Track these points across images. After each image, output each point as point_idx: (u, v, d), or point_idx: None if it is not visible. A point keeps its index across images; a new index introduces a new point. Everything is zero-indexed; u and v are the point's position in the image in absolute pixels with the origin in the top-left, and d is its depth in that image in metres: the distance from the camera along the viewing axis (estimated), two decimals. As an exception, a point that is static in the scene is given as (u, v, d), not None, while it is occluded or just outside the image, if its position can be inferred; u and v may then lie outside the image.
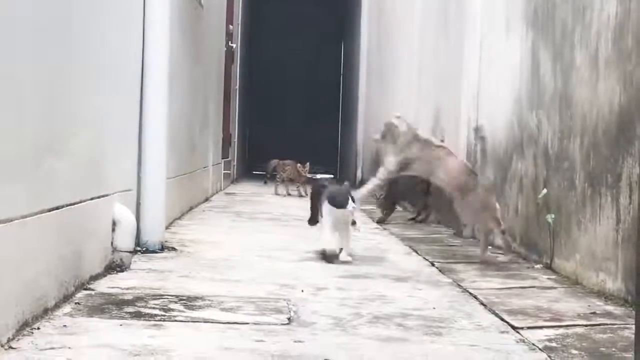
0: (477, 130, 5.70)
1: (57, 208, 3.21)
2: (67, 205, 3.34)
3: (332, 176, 11.78)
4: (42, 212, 3.02)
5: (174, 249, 5.06)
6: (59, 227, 3.25)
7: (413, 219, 7.66)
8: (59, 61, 3.26)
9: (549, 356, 2.86)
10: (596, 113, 4.19)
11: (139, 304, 3.38)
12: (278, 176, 11.16)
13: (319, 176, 7.11)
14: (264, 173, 12.57)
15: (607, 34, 4.10)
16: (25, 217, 2.83)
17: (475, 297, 3.91)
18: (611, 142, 4.00)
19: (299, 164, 11.01)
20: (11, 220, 2.69)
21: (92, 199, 3.77)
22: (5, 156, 2.66)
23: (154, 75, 4.99)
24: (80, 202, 3.56)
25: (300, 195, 10.85)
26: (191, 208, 7.69)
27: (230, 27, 11.67)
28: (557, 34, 4.79)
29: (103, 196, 3.99)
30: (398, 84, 10.39)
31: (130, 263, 4.26)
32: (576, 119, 4.46)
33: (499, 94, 5.89)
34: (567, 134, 4.57)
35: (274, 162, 11.32)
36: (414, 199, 7.69)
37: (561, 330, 3.25)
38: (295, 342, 2.91)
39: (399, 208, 7.92)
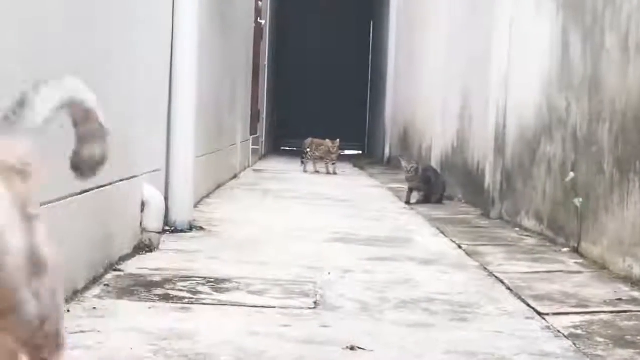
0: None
1: (87, 191, 3.24)
2: (96, 188, 3.37)
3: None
4: (72, 195, 3.05)
5: (202, 228, 5.10)
6: (88, 210, 3.29)
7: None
8: (86, 43, 3.28)
9: (574, 344, 2.86)
10: (626, 98, 4.17)
11: (167, 286, 3.42)
12: (310, 154, 11.11)
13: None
14: (297, 150, 12.52)
15: (638, 17, 4.07)
16: (55, 200, 2.86)
17: (501, 281, 3.91)
18: (640, 128, 3.98)
19: (328, 140, 10.99)
20: (42, 204, 2.72)
21: (121, 180, 3.80)
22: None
23: (183, 53, 5.00)
24: (110, 184, 3.59)
25: (328, 173, 10.85)
26: (219, 186, 7.72)
27: (260, 3, 11.66)
28: (587, 17, 4.76)
29: (132, 177, 4.02)
30: (426, 66, 10.36)
31: (159, 243, 4.30)
32: (605, 103, 4.43)
33: (528, 75, 5.87)
34: (596, 117, 4.55)
35: (309, 140, 11.25)
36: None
37: (587, 317, 3.25)
38: (321, 327, 2.93)
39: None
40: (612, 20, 4.40)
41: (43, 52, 2.76)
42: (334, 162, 10.95)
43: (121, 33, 3.80)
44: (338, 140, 11.05)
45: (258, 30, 11.65)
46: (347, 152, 18.60)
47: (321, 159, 11.00)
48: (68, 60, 3.03)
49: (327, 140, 11.01)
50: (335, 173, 10.86)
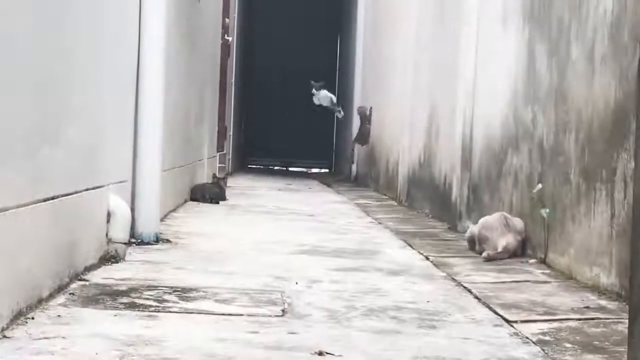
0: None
1: (52, 198, 3.21)
2: (61, 196, 3.34)
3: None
4: (36, 202, 3.02)
5: (168, 241, 5.07)
6: (53, 218, 3.25)
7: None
8: (54, 49, 3.25)
9: (543, 349, 2.86)
10: (592, 108, 4.20)
11: (133, 295, 3.39)
12: None
13: None
14: (263, 168, 12.57)
15: (604, 29, 4.10)
16: (20, 207, 2.83)
17: (469, 290, 3.92)
18: (606, 137, 4.01)
19: None
20: (5, 210, 2.69)
21: (87, 189, 3.77)
22: None
23: (150, 67, 4.99)
24: (75, 192, 3.56)
25: None
26: (186, 200, 7.68)
27: (227, 20, 11.65)
28: (553, 29, 4.79)
29: (98, 187, 3.99)
30: (393, 79, 10.39)
31: (125, 254, 4.26)
32: (571, 113, 4.46)
33: (494, 88, 5.90)
34: (563, 128, 4.58)
35: None
36: None
37: (555, 324, 3.25)
38: (289, 333, 2.91)
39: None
40: (577, 32, 4.43)
41: (10, 63, 2.72)
42: None
43: (89, 45, 3.78)
44: None
45: (225, 47, 11.63)
46: (314, 170, 18.64)
47: None
48: (36, 71, 3.00)
49: None
50: None
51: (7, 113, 2.73)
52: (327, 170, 18.70)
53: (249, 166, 18.32)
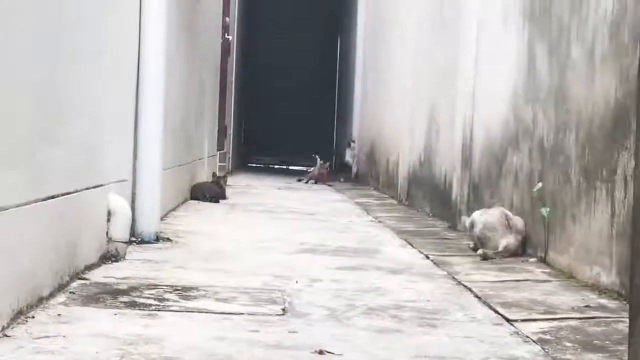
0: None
1: (52, 197, 3.21)
2: (62, 195, 3.34)
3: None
4: (37, 201, 3.02)
5: (168, 239, 5.07)
6: (53, 217, 3.25)
7: None
8: (54, 51, 3.25)
9: (543, 348, 2.86)
10: (592, 107, 4.19)
11: (133, 294, 3.39)
12: None
13: None
14: (263, 167, 12.68)
15: (604, 28, 4.10)
16: (20, 205, 2.83)
17: (469, 289, 3.91)
18: (606, 137, 4.01)
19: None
20: (6, 209, 2.69)
21: (87, 188, 3.77)
22: None
23: (151, 66, 4.99)
24: (76, 191, 3.56)
25: None
26: (186, 199, 7.68)
27: (227, 19, 11.65)
28: (553, 28, 4.79)
29: (98, 186, 3.99)
30: (393, 80, 10.39)
31: (125, 253, 4.26)
32: (572, 113, 4.46)
33: (494, 88, 5.90)
34: (563, 128, 4.57)
35: None
36: None
37: (555, 323, 3.25)
38: (289, 332, 2.91)
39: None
40: (577, 32, 4.43)
41: (10, 63, 2.72)
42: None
43: (89, 44, 3.78)
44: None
45: (225, 46, 11.63)
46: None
47: None
48: (36, 70, 3.00)
49: None
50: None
51: (7, 112, 2.73)
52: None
53: (249, 165, 18.30)
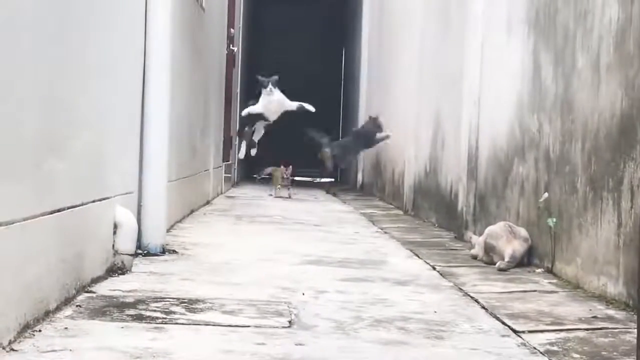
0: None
1: (59, 210, 3.21)
2: (68, 208, 3.34)
3: None
4: (43, 214, 3.02)
5: (175, 251, 5.06)
6: (60, 230, 3.25)
7: None
8: (59, 61, 3.26)
9: (550, 359, 2.86)
10: (597, 117, 4.19)
11: (140, 307, 3.38)
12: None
13: None
14: (269, 178, 12.71)
15: (609, 38, 4.10)
16: (27, 219, 2.83)
17: (476, 300, 3.91)
18: (613, 147, 4.00)
19: (282, 167, 11.34)
20: (12, 223, 2.69)
21: (93, 201, 3.77)
22: (5, 157, 2.66)
23: (156, 78, 4.99)
24: (82, 204, 3.56)
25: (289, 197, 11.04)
26: (192, 211, 7.69)
27: (232, 30, 11.67)
28: (558, 38, 4.79)
29: (104, 199, 3.99)
30: (399, 89, 10.40)
31: (132, 266, 4.26)
32: (577, 123, 4.46)
33: (500, 97, 5.89)
34: (569, 138, 4.57)
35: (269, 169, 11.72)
36: None
37: (562, 334, 3.24)
38: (296, 345, 2.91)
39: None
40: (583, 41, 4.43)
41: (16, 75, 2.73)
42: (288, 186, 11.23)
43: (95, 57, 3.78)
44: (290, 167, 11.46)
45: (230, 57, 11.65)
46: (321, 180, 18.59)
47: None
48: (42, 82, 3.01)
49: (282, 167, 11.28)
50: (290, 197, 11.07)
51: (13, 124, 2.73)
52: (332, 180, 18.67)
53: (254, 176, 18.29)
